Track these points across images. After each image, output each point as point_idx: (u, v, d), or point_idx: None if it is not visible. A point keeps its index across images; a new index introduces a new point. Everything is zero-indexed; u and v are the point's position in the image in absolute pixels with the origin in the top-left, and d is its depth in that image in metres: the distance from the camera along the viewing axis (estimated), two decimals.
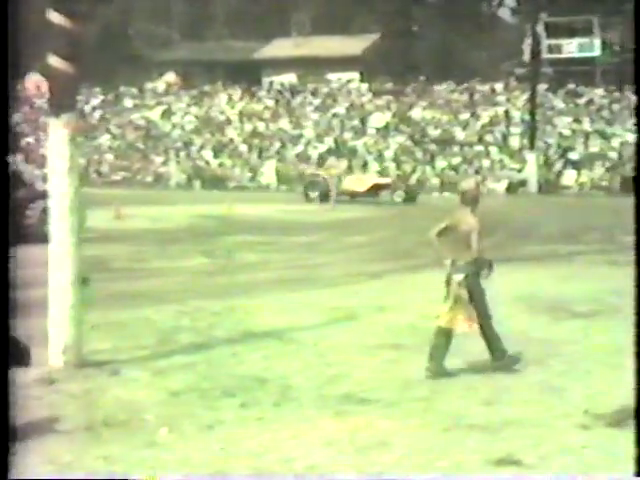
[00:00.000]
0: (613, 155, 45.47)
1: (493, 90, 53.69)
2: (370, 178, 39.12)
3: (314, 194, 36.97)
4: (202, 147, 51.80)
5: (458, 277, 8.93)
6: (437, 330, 8.99)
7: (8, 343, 6.12)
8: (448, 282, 9.02)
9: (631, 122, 47.58)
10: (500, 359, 9.06)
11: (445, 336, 8.93)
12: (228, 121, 54.67)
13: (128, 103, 58.24)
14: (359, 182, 37.66)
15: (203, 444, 6.81)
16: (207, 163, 50.42)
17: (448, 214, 9.28)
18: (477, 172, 44.95)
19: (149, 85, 60.07)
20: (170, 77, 61.06)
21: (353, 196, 36.78)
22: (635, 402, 6.93)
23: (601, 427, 7.30)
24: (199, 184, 48.47)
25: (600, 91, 52.13)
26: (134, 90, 59.22)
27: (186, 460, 6.44)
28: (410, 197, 37.19)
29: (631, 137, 46.32)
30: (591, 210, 33.70)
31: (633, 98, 50.04)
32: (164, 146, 52.28)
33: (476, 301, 8.96)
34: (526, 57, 50.98)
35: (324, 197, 36.15)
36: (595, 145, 46.58)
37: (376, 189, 37.11)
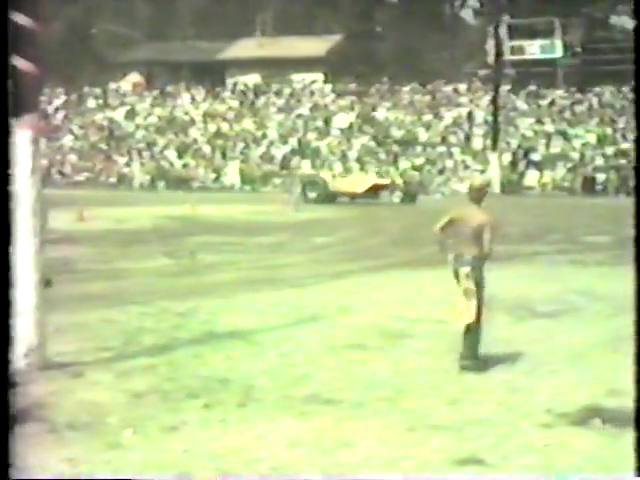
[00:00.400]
0: (575, 156, 45.78)
1: (456, 91, 53.91)
2: (369, 179, 38.81)
3: (312, 194, 36.66)
4: (166, 148, 51.64)
5: (465, 270, 9.15)
6: (465, 328, 9.16)
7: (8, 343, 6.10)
8: (457, 275, 9.29)
9: (592, 123, 47.94)
10: (471, 359, 9.12)
11: (472, 330, 9.13)
12: (192, 122, 54.54)
13: (91, 103, 57.96)
14: (358, 183, 37.36)
15: (167, 445, 6.79)
16: (171, 164, 50.28)
17: (452, 210, 9.51)
18: (440, 172, 45.13)
19: (113, 85, 59.80)
20: (134, 77, 60.82)
21: (352, 197, 36.52)
22: (635, 402, 6.95)
23: (564, 426, 7.34)
24: (163, 185, 48.31)
25: (561, 92, 52.48)
26: (97, 90, 58.93)
27: (150, 461, 6.43)
28: (409, 197, 36.91)
29: (592, 138, 46.69)
30: (553, 210, 33.93)
31: (595, 99, 50.46)
32: (127, 147, 52.06)
33: (477, 294, 9.20)
34: (489, 58, 51.23)
35: (322, 198, 35.94)
36: (557, 146, 46.88)
37: (375, 190, 36.84)
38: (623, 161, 44.03)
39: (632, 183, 42.17)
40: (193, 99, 57.29)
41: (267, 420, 7.42)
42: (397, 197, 36.78)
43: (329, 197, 36.21)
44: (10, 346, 6.26)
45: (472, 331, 9.12)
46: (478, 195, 9.34)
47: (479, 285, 9.19)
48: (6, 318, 5.91)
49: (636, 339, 7.61)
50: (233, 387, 8.43)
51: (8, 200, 5.48)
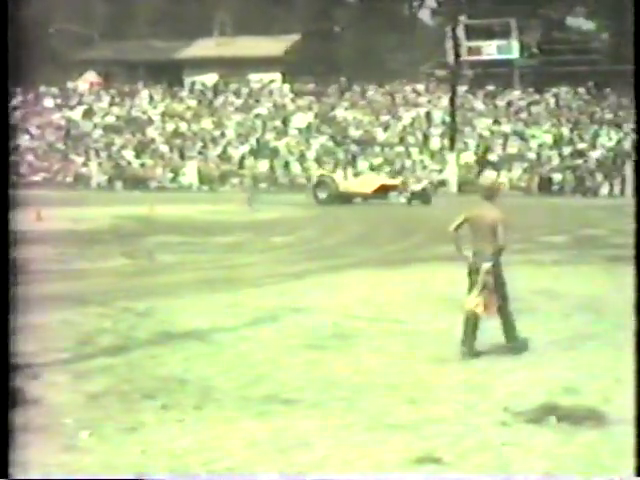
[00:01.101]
0: (531, 156, 46.09)
1: (414, 91, 54.11)
2: (377, 179, 38.26)
3: (322, 195, 36.41)
4: (123, 147, 51.40)
5: (486, 265, 9.56)
6: (467, 315, 9.62)
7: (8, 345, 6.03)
8: (471, 271, 9.71)
9: (548, 124, 48.28)
10: (513, 341, 9.74)
11: (474, 320, 9.58)
12: (150, 121, 54.32)
13: (48, 103, 57.55)
14: (366, 183, 36.94)
15: (124, 447, 6.77)
16: (129, 163, 50.05)
17: (466, 209, 9.99)
18: (398, 173, 45.25)
19: (70, 85, 59.41)
20: (91, 76, 60.46)
21: (363, 198, 36.09)
22: (635, 402, 6.99)
23: (521, 424, 7.39)
24: (120, 185, 48.08)
25: (518, 93, 52.83)
26: (54, 90, 58.52)
27: (106, 463, 6.40)
28: (422, 199, 36.13)
29: (548, 138, 47.04)
30: (509, 210, 34.02)
31: (552, 100, 50.85)
32: (85, 146, 51.75)
33: (498, 287, 9.67)
34: (448, 59, 51.48)
35: (333, 198, 35.70)
36: (513, 146, 47.18)
37: (384, 190, 36.39)
38: (579, 161, 44.39)
39: (589, 183, 42.57)
40: (151, 98, 57.08)
41: (225, 420, 7.41)
42: (404, 197, 36.23)
43: (340, 198, 35.90)
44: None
45: (475, 321, 9.62)
46: (490, 193, 9.87)
47: (500, 278, 9.73)
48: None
49: (636, 339, 7.67)
50: (191, 388, 8.42)
51: (8, 197, 5.46)
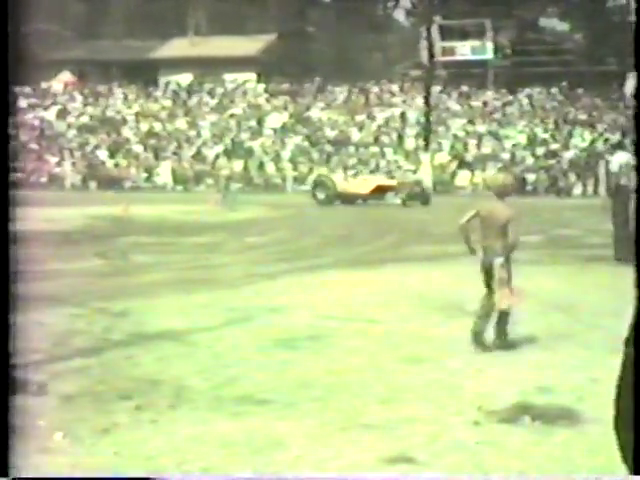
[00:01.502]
0: (505, 156, 46.27)
1: (389, 91, 54.21)
2: (374, 179, 38.04)
3: (321, 196, 36.35)
4: (97, 147, 51.23)
5: (499, 260, 9.85)
6: (499, 314, 9.99)
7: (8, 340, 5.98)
8: (484, 267, 10.06)
9: (522, 124, 48.47)
10: (502, 339, 10.01)
11: (505, 316, 9.99)
12: (124, 121, 54.16)
13: (22, 103, 57.28)
14: (363, 184, 36.78)
15: (97, 448, 6.75)
16: (103, 163, 49.90)
17: (478, 205, 10.28)
18: (373, 173, 45.32)
19: (44, 85, 59.15)
20: (65, 76, 60.24)
21: (357, 199, 35.86)
22: (635, 402, 7.01)
23: (494, 423, 7.42)
24: (94, 185, 47.93)
25: (492, 93, 53.03)
26: (28, 90, 58.25)
27: (79, 464, 6.38)
28: (421, 199, 35.66)
29: (522, 138, 47.22)
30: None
31: (525, 101, 51.08)
32: (59, 146, 51.55)
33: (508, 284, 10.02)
34: (423, 59, 51.63)
35: (331, 198, 35.61)
36: (488, 146, 47.36)
37: (380, 191, 36.15)
38: (553, 162, 44.60)
39: (562, 183, 42.78)
40: (125, 98, 56.92)
41: (199, 421, 7.40)
42: (399, 199, 35.72)
43: (338, 198, 35.77)
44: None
45: (504, 315, 9.98)
46: (502, 192, 10.09)
47: (509, 273, 10.02)
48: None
49: (636, 338, 7.71)
50: (165, 388, 8.40)
51: (8, 197, 5.42)
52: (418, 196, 35.95)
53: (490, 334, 10.04)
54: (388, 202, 35.64)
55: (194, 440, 6.91)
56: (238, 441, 6.87)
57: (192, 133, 51.83)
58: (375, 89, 54.64)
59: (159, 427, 7.25)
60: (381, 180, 37.92)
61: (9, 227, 5.70)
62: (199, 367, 9.22)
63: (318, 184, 37.57)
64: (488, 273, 10.03)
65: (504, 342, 10.03)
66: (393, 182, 37.44)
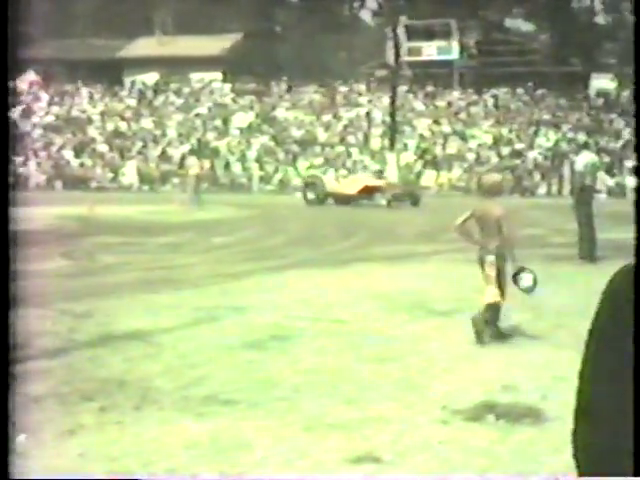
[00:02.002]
0: (470, 156, 46.46)
1: (355, 91, 54.28)
2: (362, 180, 37.20)
3: (311, 196, 35.92)
4: (63, 147, 50.96)
5: (490, 258, 10.30)
6: (490, 305, 10.33)
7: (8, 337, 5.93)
8: (480, 264, 10.50)
9: (487, 124, 48.67)
10: (495, 332, 10.36)
11: (496, 308, 10.36)
12: (90, 120, 53.91)
13: None
14: (350, 184, 36.26)
15: (62, 449, 6.71)
16: (68, 163, 49.63)
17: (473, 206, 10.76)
18: (338, 172, 45.38)
19: (9, 84, 58.76)
20: (30, 76, 59.86)
21: (347, 199, 35.21)
22: (635, 402, 7.03)
23: (459, 422, 7.45)
24: (60, 184, 47.68)
25: (458, 93, 53.23)
26: None
27: (44, 466, 6.35)
28: (411, 200, 34.97)
29: (487, 138, 47.43)
30: (449, 210, 34.23)
31: (491, 101, 51.32)
32: (24, 146, 51.22)
33: (500, 279, 10.39)
34: (389, 59, 51.73)
35: (320, 199, 35.21)
36: (453, 146, 47.54)
37: (368, 191, 35.38)
38: (517, 161, 44.83)
39: (526, 183, 43.02)
40: (91, 98, 56.65)
41: (164, 421, 7.39)
42: (384, 199, 34.87)
43: (327, 199, 35.42)
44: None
45: (492, 309, 10.30)
46: (494, 191, 10.60)
47: (502, 270, 10.38)
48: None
49: (636, 342, 7.74)
50: (130, 389, 8.37)
51: (8, 198, 5.37)
52: (407, 197, 35.38)
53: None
54: (376, 203, 34.96)
55: (159, 441, 6.89)
56: (204, 442, 6.87)
57: (158, 133, 51.66)
58: (341, 89, 54.70)
59: (124, 428, 7.23)
60: (369, 180, 37.10)
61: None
62: (165, 367, 9.20)
63: (308, 184, 37.16)
64: (483, 270, 10.47)
65: (496, 334, 10.34)
66: (380, 182, 36.62)
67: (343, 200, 35.22)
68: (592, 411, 1.16)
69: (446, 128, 49.13)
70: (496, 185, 10.79)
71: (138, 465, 6.36)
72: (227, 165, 47.79)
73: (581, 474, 1.16)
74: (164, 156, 49.16)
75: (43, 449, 6.73)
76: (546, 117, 49.01)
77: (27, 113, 55.09)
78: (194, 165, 39.50)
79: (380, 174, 39.10)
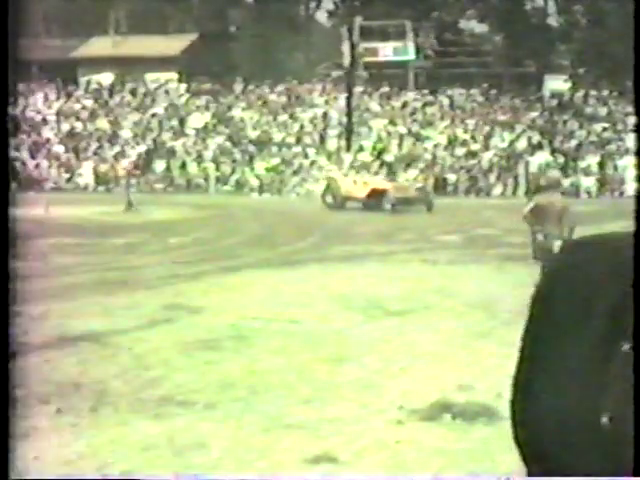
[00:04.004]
0: (427, 157, 46.64)
1: (310, 92, 54.32)
2: (370, 182, 34.35)
3: (330, 199, 34.22)
4: (18, 148, 50.55)
5: (558, 243, 11.21)
6: None
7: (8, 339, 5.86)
8: (542, 250, 11.62)
9: (442, 125, 48.91)
10: None
11: None
12: (44, 121, 53.52)
13: None
14: (358, 186, 33.90)
15: (17, 453, 6.66)
16: (23, 164, 49.24)
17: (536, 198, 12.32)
18: (295, 173, 45.41)
19: None
20: None
21: (359, 202, 33.25)
22: (635, 402, 7.05)
23: (415, 422, 7.49)
24: (15, 186, 47.28)
25: (413, 94, 53.42)
26: None
27: None
28: (425, 205, 32.21)
29: (443, 139, 47.65)
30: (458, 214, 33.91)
31: (446, 101, 51.57)
32: None
33: None
34: (345, 60, 51.79)
35: (337, 203, 33.42)
36: (408, 147, 47.67)
37: (376, 194, 32.89)
38: (473, 162, 45.07)
39: (482, 183, 43.29)
40: (46, 98, 56.24)
41: (120, 423, 7.36)
42: (388, 204, 32.30)
43: (344, 202, 33.43)
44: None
45: None
46: (553, 186, 12.65)
47: None
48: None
49: (635, 342, 7.79)
50: (85, 391, 8.33)
51: (8, 198, 5.32)
52: (418, 201, 32.72)
53: None
54: (383, 207, 32.41)
55: (115, 443, 6.87)
56: (160, 443, 6.85)
57: (114, 133, 51.39)
58: (297, 89, 54.70)
59: (80, 430, 7.20)
60: (378, 183, 34.33)
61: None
62: (120, 369, 9.16)
63: (327, 187, 35.31)
64: (544, 254, 11.48)
65: None
66: (387, 185, 33.84)
67: (368, 204, 32.99)
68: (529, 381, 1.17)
69: (402, 129, 49.28)
70: (556, 181, 12.93)
71: (93, 468, 6.34)
72: (183, 165, 47.61)
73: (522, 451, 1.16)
74: (120, 156, 48.89)
75: None
76: (501, 118, 49.31)
77: None
78: (124, 164, 38.93)
79: (393, 176, 37.01)
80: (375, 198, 32.78)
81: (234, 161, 47.50)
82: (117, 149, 49.56)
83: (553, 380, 1.31)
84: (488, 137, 47.53)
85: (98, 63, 58.46)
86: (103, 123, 52.64)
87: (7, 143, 5.76)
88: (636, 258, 1.25)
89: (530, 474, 1.42)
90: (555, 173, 14.36)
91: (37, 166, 48.93)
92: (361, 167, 39.86)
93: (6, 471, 5.23)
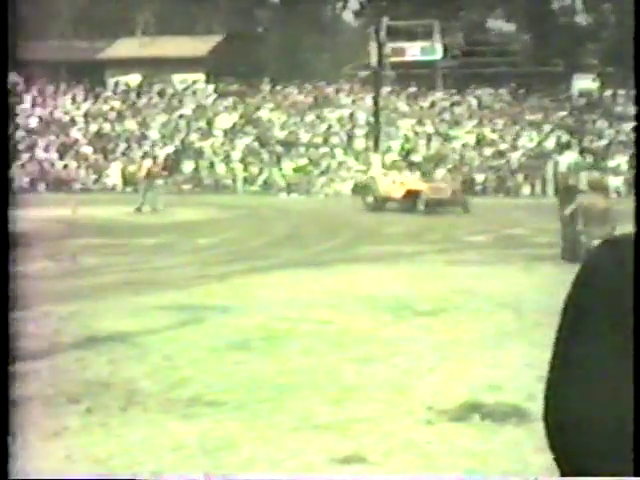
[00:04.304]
0: (455, 157, 46.53)
1: (338, 92, 54.31)
2: (406, 182, 33.00)
3: (369, 200, 33.26)
4: (46, 149, 50.82)
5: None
6: None
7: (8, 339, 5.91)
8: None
9: (470, 125, 48.78)
10: None
11: None
12: (73, 122, 53.77)
13: None
14: (395, 186, 32.79)
15: (48, 452, 6.70)
16: (52, 165, 49.49)
17: (579, 198, 12.90)
18: (322, 173, 45.42)
19: None
20: (12, 77, 59.67)
21: (394, 203, 32.35)
22: (635, 402, 7.03)
23: (445, 422, 7.47)
24: (44, 186, 47.54)
25: (441, 94, 53.32)
26: None
27: (30, 469, 6.33)
28: (462, 207, 31.03)
29: (471, 139, 47.52)
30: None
31: (474, 101, 51.44)
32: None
33: None
34: (372, 60, 51.75)
35: (379, 203, 32.44)
36: (436, 147, 47.58)
37: (411, 195, 31.86)
38: (501, 162, 44.94)
39: (510, 183, 43.15)
40: (74, 99, 56.50)
41: (150, 423, 7.38)
42: (422, 205, 31.22)
43: (384, 203, 32.46)
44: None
45: None
46: (599, 188, 12.81)
47: None
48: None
49: (635, 341, 7.77)
50: (115, 391, 8.37)
51: (7, 198, 5.36)
52: (454, 203, 31.53)
53: None
54: (417, 209, 31.45)
55: (145, 442, 6.89)
56: (189, 443, 6.87)
57: (141, 134, 51.57)
58: (324, 90, 54.70)
59: (110, 430, 7.23)
60: (412, 184, 32.86)
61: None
62: (150, 369, 9.19)
63: (365, 187, 34.74)
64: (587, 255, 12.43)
65: None
66: (422, 186, 32.40)
67: (404, 205, 32.10)
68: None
69: (429, 128, 49.19)
70: (602, 183, 13.11)
71: (123, 467, 6.36)
72: (211, 166, 47.72)
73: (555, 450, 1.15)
74: (148, 157, 49.03)
75: (29, 451, 6.72)
76: (529, 117, 49.13)
77: (10, 115, 54.92)
78: (144, 164, 38.94)
79: (429, 176, 35.80)
80: (410, 199, 31.87)
81: (262, 161, 47.56)
82: (145, 150, 49.72)
83: (586, 384, 1.30)
84: (516, 137, 47.37)
85: (126, 64, 58.68)
86: (131, 124, 52.85)
87: (7, 143, 5.81)
88: (636, 258, 1.24)
89: (563, 475, 1.42)
90: (596, 174, 14.41)
91: (65, 167, 49.17)
92: (391, 167, 39.46)
93: (6, 471, 5.25)
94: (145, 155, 48.88)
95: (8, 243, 5.47)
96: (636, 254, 1.02)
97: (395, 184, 33.17)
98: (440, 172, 41.13)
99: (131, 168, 46.83)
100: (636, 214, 8.73)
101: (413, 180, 33.53)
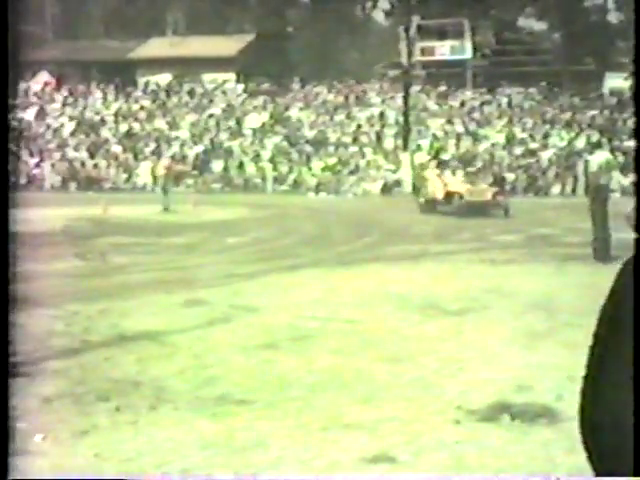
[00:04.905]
0: (485, 156, 46.36)
1: (367, 91, 54.26)
2: (448, 183, 31.71)
3: (421, 200, 32.22)
4: (77, 148, 51.06)
5: None
6: None
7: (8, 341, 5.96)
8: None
9: (500, 124, 48.62)
10: None
11: None
12: (103, 121, 54.00)
13: None
14: (438, 187, 31.58)
15: (77, 449, 6.73)
16: (82, 164, 49.73)
17: None
18: (352, 173, 45.37)
19: (22, 85, 58.86)
20: (44, 77, 59.98)
21: (439, 205, 31.23)
22: (635, 402, 7.01)
23: (474, 422, 7.44)
24: (74, 185, 47.77)
25: (471, 93, 53.16)
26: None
27: (60, 466, 6.36)
28: (505, 210, 29.50)
29: (501, 138, 47.36)
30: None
31: (504, 100, 51.26)
32: (38, 147, 51.34)
33: None
34: (402, 59, 51.65)
35: (431, 204, 31.41)
36: (466, 146, 47.42)
37: (451, 196, 30.95)
38: (531, 161, 44.74)
39: (541, 182, 42.96)
40: (104, 99, 56.75)
41: (179, 422, 7.39)
42: (458, 207, 30.34)
43: (435, 205, 31.28)
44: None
45: None
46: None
47: None
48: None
49: (635, 340, 7.73)
50: (144, 389, 8.38)
51: (8, 197, 5.40)
52: (494, 206, 30.29)
53: None
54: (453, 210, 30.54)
55: (174, 441, 6.90)
56: (218, 442, 6.87)
57: (171, 133, 51.71)
58: (354, 89, 54.66)
59: (139, 428, 7.24)
60: (452, 185, 31.62)
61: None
62: (179, 368, 9.21)
63: (416, 187, 33.84)
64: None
65: None
66: (462, 188, 31.15)
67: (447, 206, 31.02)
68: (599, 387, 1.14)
69: (459, 128, 49.04)
70: None
71: (153, 465, 6.37)
72: (241, 165, 47.78)
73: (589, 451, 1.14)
74: (178, 157, 49.18)
75: (58, 449, 6.74)
76: (560, 116, 48.88)
77: (41, 114, 55.21)
78: (161, 164, 39.02)
79: (473, 178, 33.64)
80: (449, 200, 31.07)
81: (291, 161, 47.56)
82: (175, 149, 49.87)
83: (623, 384, 1.28)
84: (547, 136, 47.13)
85: (156, 64, 58.90)
86: (161, 123, 53.01)
87: (7, 143, 5.82)
88: (636, 258, 1.22)
89: (597, 475, 1.40)
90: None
91: (95, 166, 49.38)
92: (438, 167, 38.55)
93: (6, 471, 5.27)
94: (175, 155, 49.13)
95: (7, 242, 5.50)
96: (636, 254, 1.00)
97: (439, 185, 32.10)
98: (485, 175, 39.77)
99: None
100: (636, 214, 8.73)
101: (454, 181, 32.32)
